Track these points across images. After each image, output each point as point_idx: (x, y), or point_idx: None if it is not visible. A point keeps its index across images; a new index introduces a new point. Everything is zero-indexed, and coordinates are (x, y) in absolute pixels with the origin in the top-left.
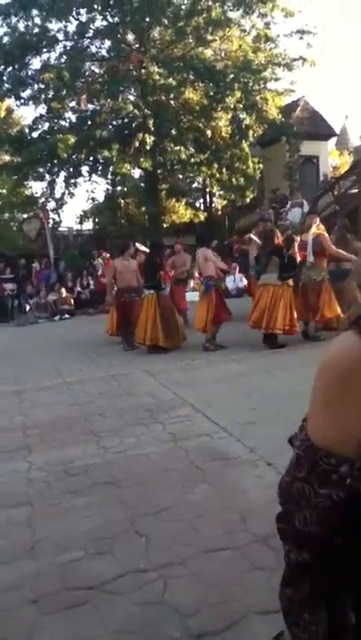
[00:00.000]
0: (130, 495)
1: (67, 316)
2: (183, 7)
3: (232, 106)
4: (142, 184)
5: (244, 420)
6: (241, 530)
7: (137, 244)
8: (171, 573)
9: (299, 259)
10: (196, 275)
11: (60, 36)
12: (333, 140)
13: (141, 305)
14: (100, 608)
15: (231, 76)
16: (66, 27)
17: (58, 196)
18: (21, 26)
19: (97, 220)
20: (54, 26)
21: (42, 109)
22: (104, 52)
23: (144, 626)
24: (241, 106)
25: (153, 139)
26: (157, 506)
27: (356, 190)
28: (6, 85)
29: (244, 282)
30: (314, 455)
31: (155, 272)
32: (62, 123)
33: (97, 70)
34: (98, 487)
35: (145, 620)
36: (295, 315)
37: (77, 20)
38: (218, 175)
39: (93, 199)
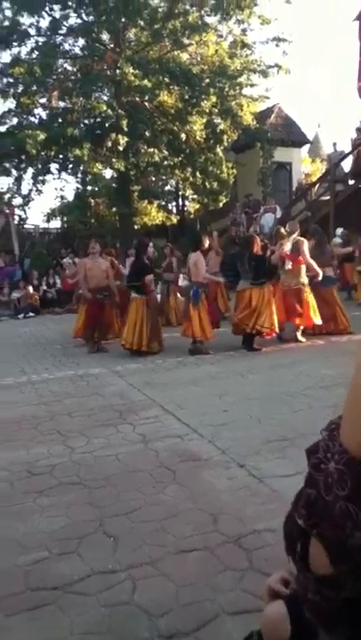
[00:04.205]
0: (98, 495)
1: (31, 314)
2: (160, 10)
3: (207, 110)
4: (114, 184)
5: (216, 421)
6: (212, 530)
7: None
8: (140, 574)
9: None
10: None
11: (32, 31)
12: (306, 148)
13: (129, 309)
14: (66, 609)
15: (207, 80)
16: (38, 22)
17: (25, 192)
18: None
19: (65, 218)
20: (26, 20)
21: (10, 104)
22: (77, 50)
23: (112, 627)
24: (216, 110)
25: (126, 139)
26: (127, 506)
27: (328, 197)
28: None
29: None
30: (360, 470)
31: (141, 273)
32: (32, 119)
33: (70, 68)
34: (64, 487)
35: (113, 621)
36: (276, 317)
37: (50, 15)
38: (191, 179)
39: (62, 197)
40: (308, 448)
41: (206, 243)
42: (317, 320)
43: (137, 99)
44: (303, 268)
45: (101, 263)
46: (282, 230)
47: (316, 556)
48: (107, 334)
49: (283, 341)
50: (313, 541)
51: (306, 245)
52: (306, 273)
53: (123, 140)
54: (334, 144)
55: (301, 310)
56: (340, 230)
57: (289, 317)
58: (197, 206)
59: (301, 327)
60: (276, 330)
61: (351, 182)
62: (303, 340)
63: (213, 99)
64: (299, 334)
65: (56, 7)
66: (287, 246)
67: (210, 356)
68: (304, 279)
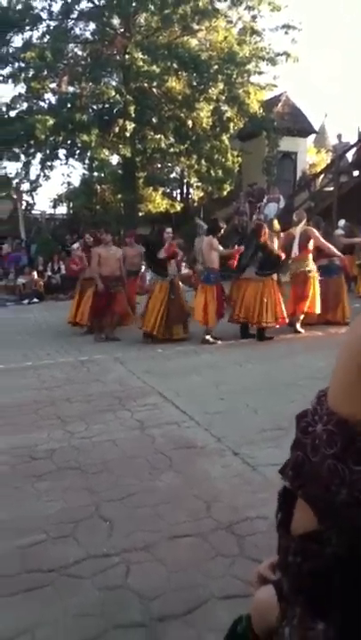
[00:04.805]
0: (95, 480)
1: (35, 300)
2: None
3: (214, 97)
4: (120, 171)
5: (213, 409)
6: (205, 517)
7: None
8: (134, 558)
9: (283, 256)
10: (199, 266)
11: (44, 15)
12: (312, 138)
13: (152, 292)
14: (61, 591)
15: (215, 67)
16: (50, 5)
17: (33, 177)
18: (4, 1)
19: (71, 204)
20: (38, 4)
21: (21, 88)
22: (88, 35)
23: (105, 609)
24: (223, 98)
25: (133, 125)
26: (123, 492)
27: (332, 189)
28: None
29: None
30: (349, 430)
31: (159, 260)
32: (41, 103)
33: (80, 53)
34: (62, 472)
35: (106, 603)
36: (283, 306)
37: None
38: (196, 166)
39: (69, 183)
40: (297, 414)
41: (222, 230)
42: (316, 309)
43: (145, 84)
44: (310, 256)
45: (116, 252)
46: (275, 223)
47: (299, 518)
48: (124, 322)
49: (294, 329)
50: (298, 504)
51: (316, 232)
52: (318, 261)
53: (130, 126)
54: (339, 135)
55: (306, 295)
56: (342, 222)
57: (298, 305)
58: (202, 194)
59: (301, 317)
60: (286, 319)
61: (356, 174)
62: (302, 331)
63: (221, 86)
64: (298, 325)
65: None
66: (296, 235)
67: (209, 345)
68: (311, 266)
